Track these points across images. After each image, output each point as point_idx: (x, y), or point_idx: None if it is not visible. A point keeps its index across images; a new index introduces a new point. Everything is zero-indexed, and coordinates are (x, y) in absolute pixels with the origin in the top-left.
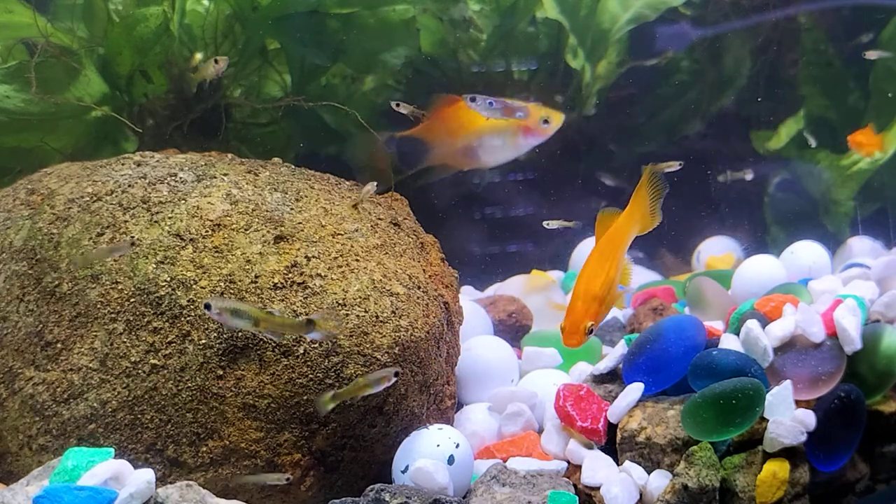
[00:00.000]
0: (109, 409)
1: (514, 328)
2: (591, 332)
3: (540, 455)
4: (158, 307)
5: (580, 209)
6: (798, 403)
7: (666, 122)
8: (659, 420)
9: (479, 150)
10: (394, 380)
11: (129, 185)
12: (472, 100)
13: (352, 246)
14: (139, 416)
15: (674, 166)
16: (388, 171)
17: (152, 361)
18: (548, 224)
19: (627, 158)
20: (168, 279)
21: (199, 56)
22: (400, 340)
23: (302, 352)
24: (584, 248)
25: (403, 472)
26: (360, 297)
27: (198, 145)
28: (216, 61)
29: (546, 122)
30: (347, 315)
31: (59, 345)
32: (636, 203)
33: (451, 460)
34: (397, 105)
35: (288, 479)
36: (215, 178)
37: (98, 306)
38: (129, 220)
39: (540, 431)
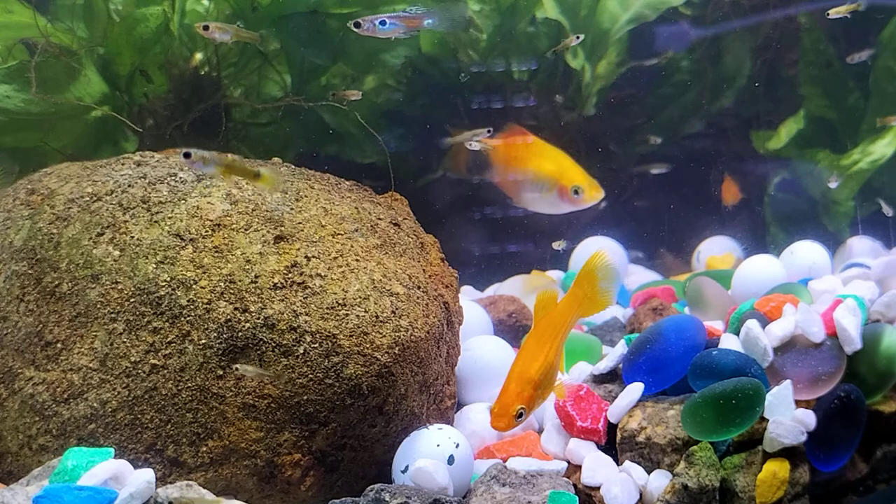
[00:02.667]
0: (109, 409)
1: (514, 328)
2: (520, 416)
3: (540, 455)
4: (158, 307)
5: (580, 209)
6: (798, 403)
7: (666, 122)
8: (659, 420)
9: (520, 190)
10: None
11: (129, 185)
12: (357, 25)
13: (352, 246)
14: (139, 416)
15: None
16: (463, 170)
17: (152, 361)
18: (557, 245)
19: (627, 158)
20: (168, 279)
21: (198, 56)
22: (400, 340)
23: (302, 352)
24: (584, 249)
25: (403, 472)
26: (360, 297)
27: (198, 145)
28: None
29: (577, 192)
30: (347, 315)
31: (59, 345)
32: (580, 285)
33: (451, 460)
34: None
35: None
36: (215, 177)
37: (98, 306)
38: (129, 220)
39: (540, 431)
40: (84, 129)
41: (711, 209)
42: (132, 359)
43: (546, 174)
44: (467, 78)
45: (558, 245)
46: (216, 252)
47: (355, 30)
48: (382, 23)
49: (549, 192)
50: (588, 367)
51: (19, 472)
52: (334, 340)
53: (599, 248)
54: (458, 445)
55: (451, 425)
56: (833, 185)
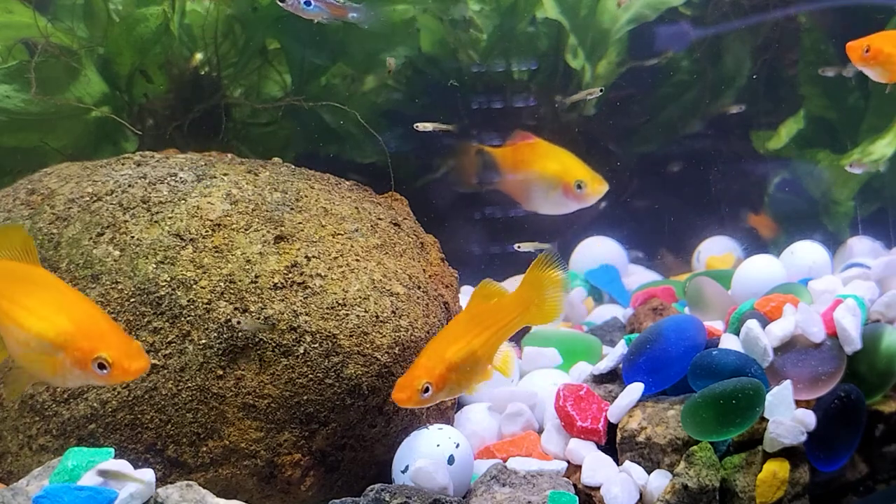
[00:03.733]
0: (109, 409)
1: None
2: (426, 391)
3: (540, 455)
4: (158, 307)
5: (580, 209)
6: (798, 403)
7: (666, 122)
8: (659, 420)
9: (528, 193)
10: None
11: (129, 185)
12: (282, 0)
13: (352, 246)
14: (139, 416)
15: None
16: (470, 180)
17: (152, 361)
18: (519, 247)
19: (627, 158)
20: (168, 279)
21: (198, 56)
22: (400, 340)
23: (302, 352)
24: (584, 249)
25: (403, 472)
26: (360, 297)
27: (198, 145)
28: None
29: (580, 187)
30: (347, 315)
31: None
32: (525, 289)
33: (451, 460)
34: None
35: None
36: (215, 177)
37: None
38: (129, 219)
39: (540, 431)
40: (84, 129)
41: (711, 209)
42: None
43: (550, 173)
44: (456, 84)
45: (525, 247)
46: (216, 252)
47: (280, 4)
48: (307, 3)
49: (555, 191)
50: (588, 367)
51: (19, 472)
52: (334, 340)
53: (546, 251)
54: (458, 445)
55: (451, 425)
56: (857, 170)
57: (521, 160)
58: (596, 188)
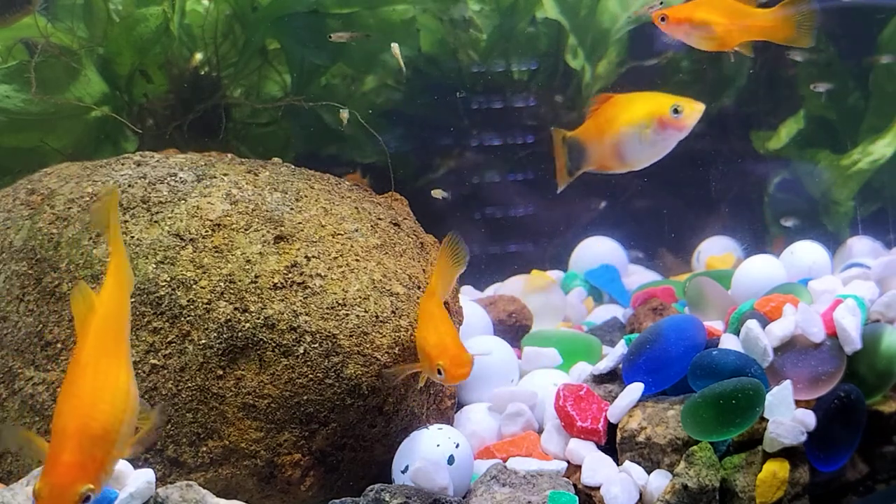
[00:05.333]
0: None
1: (514, 328)
2: (87, 500)
3: (540, 455)
4: (158, 307)
5: (580, 209)
6: (798, 403)
7: None
8: (659, 420)
9: (622, 151)
10: None
11: (129, 185)
12: None
13: (352, 246)
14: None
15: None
16: (564, 172)
17: (152, 361)
18: (437, 194)
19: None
20: (168, 279)
21: (198, 56)
22: (400, 340)
23: (302, 352)
24: (584, 249)
25: (403, 472)
26: (360, 297)
27: (198, 145)
28: None
29: (677, 111)
30: (347, 315)
31: (59, 345)
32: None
33: (451, 460)
34: (331, 37)
35: None
36: (215, 178)
37: None
38: (129, 219)
39: (540, 431)
40: (84, 129)
41: (711, 209)
42: (132, 359)
43: (640, 115)
44: (464, 94)
45: (439, 194)
46: (216, 252)
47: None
48: None
49: (650, 131)
50: (588, 367)
51: (19, 472)
52: (334, 340)
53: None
54: (458, 445)
55: (451, 425)
56: (821, 88)
57: (604, 121)
58: (694, 107)
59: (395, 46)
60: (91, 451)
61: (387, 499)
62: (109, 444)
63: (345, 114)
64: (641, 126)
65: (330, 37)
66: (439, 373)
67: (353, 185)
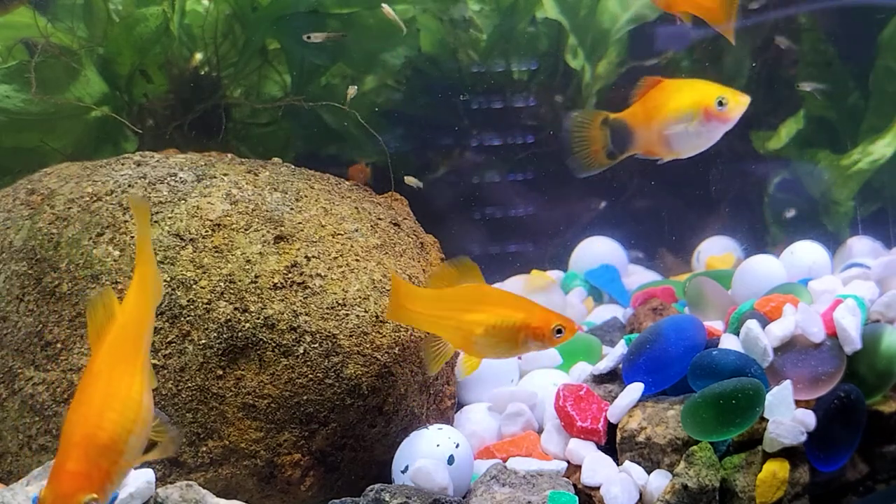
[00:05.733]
0: None
1: None
2: None
3: (540, 455)
4: (158, 307)
5: (580, 209)
6: (798, 403)
7: None
8: (659, 420)
9: (669, 139)
10: None
11: (129, 185)
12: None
13: (352, 246)
14: None
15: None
16: (600, 155)
17: (152, 361)
18: (411, 181)
19: (627, 158)
20: (168, 279)
21: (198, 56)
22: (400, 340)
23: (302, 352)
24: (584, 249)
25: (403, 472)
26: (360, 297)
27: (198, 145)
28: None
29: (721, 104)
30: (347, 315)
31: (59, 345)
32: (141, 278)
33: (451, 460)
34: (308, 37)
35: None
36: (215, 178)
37: None
38: (130, 219)
39: (540, 431)
40: (84, 130)
41: (711, 209)
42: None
43: (686, 105)
44: (467, 97)
45: (411, 181)
46: (216, 252)
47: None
48: None
49: (696, 122)
50: (588, 367)
51: (19, 472)
52: (334, 340)
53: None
54: (458, 445)
55: (451, 425)
56: (807, 87)
57: (653, 107)
58: (739, 100)
59: (385, 7)
60: (97, 461)
61: (387, 499)
62: (116, 455)
63: (352, 90)
64: (688, 116)
65: (308, 37)
66: (559, 332)
67: (353, 184)
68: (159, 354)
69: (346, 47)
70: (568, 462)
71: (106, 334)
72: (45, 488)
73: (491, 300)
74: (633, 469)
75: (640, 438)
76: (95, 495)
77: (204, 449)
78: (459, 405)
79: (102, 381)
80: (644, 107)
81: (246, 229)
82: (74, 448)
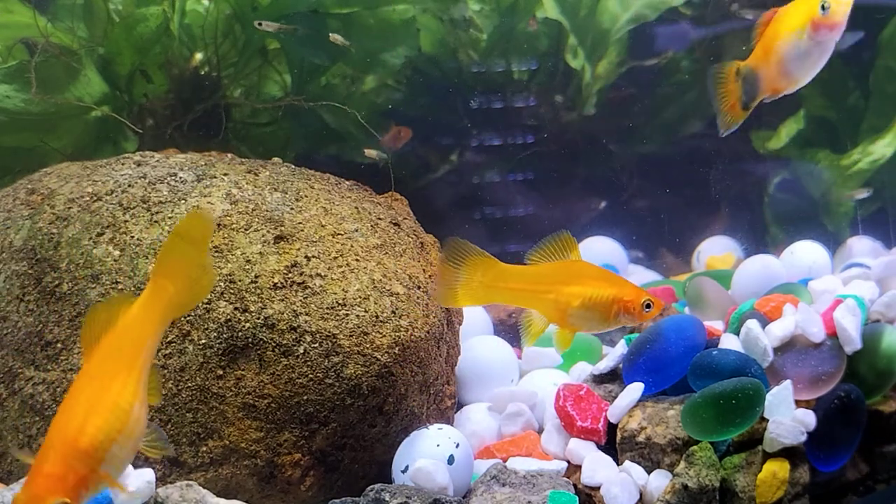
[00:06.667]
0: None
1: (514, 328)
2: None
3: (540, 455)
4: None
5: (580, 209)
6: (798, 403)
7: (666, 122)
8: (659, 420)
9: (786, 67)
10: None
11: (129, 185)
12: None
13: (352, 246)
14: None
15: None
16: (737, 109)
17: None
18: (371, 153)
19: (627, 158)
20: None
21: (198, 56)
22: (400, 340)
23: (302, 352)
24: (584, 249)
25: (403, 472)
26: (360, 297)
27: (198, 145)
28: None
29: (824, 7)
30: (347, 315)
31: (59, 345)
32: (167, 270)
33: (451, 460)
34: (259, 24)
35: None
36: (215, 177)
37: None
38: (130, 219)
39: (540, 431)
40: (84, 130)
41: (711, 209)
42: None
43: (794, 25)
44: (475, 105)
45: (372, 153)
46: (216, 252)
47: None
48: None
49: (804, 38)
50: (588, 367)
51: (19, 472)
52: (334, 340)
53: (196, 210)
54: (458, 445)
55: (451, 425)
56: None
57: (769, 40)
58: (841, 2)
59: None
60: (74, 465)
61: (387, 499)
62: (95, 462)
63: (337, 37)
64: (797, 34)
65: (259, 24)
66: (648, 307)
67: (353, 184)
68: (159, 354)
69: (347, 47)
70: (568, 462)
71: (102, 340)
72: (21, 488)
73: (587, 274)
74: (633, 469)
75: (641, 438)
76: (67, 499)
77: (204, 449)
78: (459, 405)
79: (92, 386)
80: (762, 45)
81: (246, 229)
82: (53, 450)
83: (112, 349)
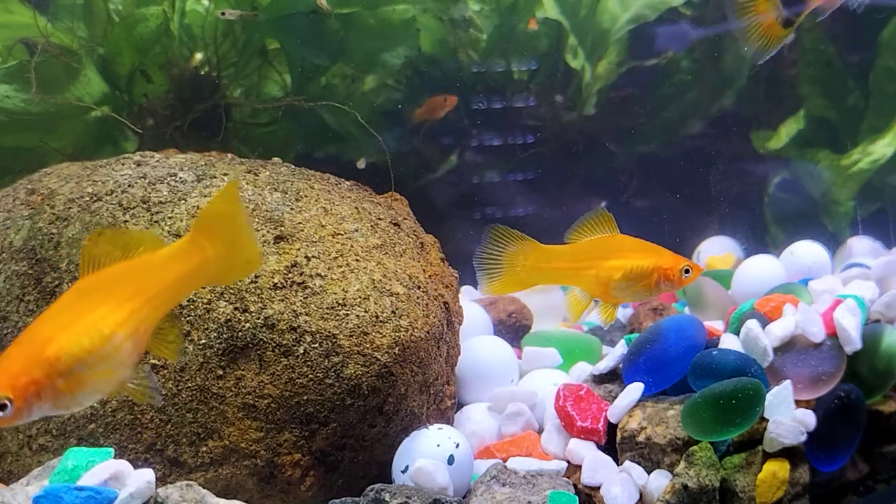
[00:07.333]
0: (109, 409)
1: (514, 328)
2: (2, 407)
3: (540, 455)
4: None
5: (580, 209)
6: (798, 403)
7: (666, 122)
8: (659, 420)
9: None
10: None
11: (129, 185)
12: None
13: (352, 246)
14: (139, 415)
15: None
16: (775, 28)
17: (152, 361)
18: (223, 13)
19: (627, 158)
20: None
21: (198, 56)
22: (400, 340)
23: (302, 352)
24: None
25: (403, 472)
26: (360, 297)
27: (198, 145)
28: None
29: None
30: (347, 315)
31: None
32: (196, 234)
33: (451, 460)
34: (223, 14)
35: None
36: (215, 177)
37: None
38: (130, 220)
39: (540, 431)
40: (84, 130)
41: (711, 209)
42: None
43: None
44: (480, 108)
45: (362, 164)
46: None
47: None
48: None
49: None
50: (588, 367)
51: (19, 472)
52: (334, 340)
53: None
54: (458, 445)
55: (451, 425)
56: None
57: None
58: None
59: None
60: (31, 368)
61: (387, 499)
62: (54, 371)
63: (322, 1)
64: None
65: (223, 13)
66: (687, 272)
67: (353, 184)
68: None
69: (347, 47)
70: (568, 462)
71: (111, 266)
72: None
73: (626, 247)
74: (633, 469)
75: (641, 438)
76: (9, 395)
77: (204, 449)
78: (459, 405)
79: (78, 304)
80: None
81: None
82: (16, 348)
83: (115, 277)
